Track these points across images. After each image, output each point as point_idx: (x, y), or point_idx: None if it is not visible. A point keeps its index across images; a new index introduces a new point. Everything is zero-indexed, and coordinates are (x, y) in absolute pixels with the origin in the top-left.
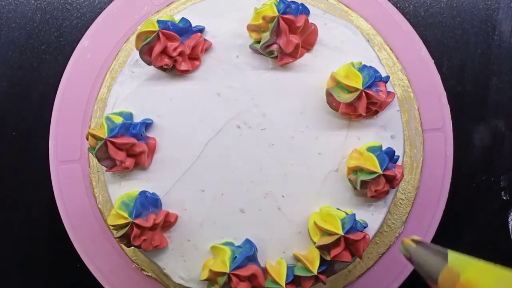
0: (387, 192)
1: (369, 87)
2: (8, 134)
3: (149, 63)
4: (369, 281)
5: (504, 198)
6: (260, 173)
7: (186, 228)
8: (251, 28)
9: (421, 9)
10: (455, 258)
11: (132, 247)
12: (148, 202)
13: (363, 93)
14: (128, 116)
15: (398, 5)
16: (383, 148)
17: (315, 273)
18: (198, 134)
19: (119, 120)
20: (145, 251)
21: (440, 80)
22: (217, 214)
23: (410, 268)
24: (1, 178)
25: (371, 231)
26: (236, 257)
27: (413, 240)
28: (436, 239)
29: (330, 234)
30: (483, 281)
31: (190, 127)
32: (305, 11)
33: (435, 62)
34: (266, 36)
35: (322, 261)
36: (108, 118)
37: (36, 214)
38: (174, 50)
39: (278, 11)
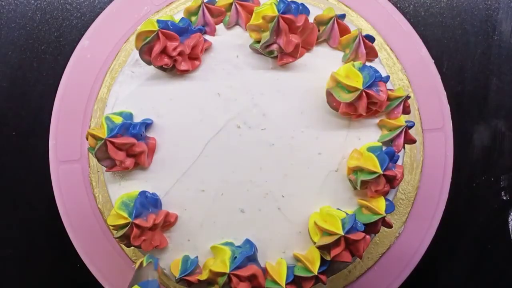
0: (387, 192)
1: (369, 87)
2: (8, 134)
3: (149, 63)
4: (369, 281)
5: (504, 198)
6: (260, 173)
7: (186, 228)
8: (251, 28)
9: (421, 9)
10: None
11: (132, 247)
12: (148, 202)
13: (364, 93)
14: (128, 116)
15: (398, 5)
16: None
17: (316, 273)
18: (198, 134)
19: (119, 120)
20: (145, 251)
21: (440, 80)
22: (217, 214)
23: (410, 268)
24: (1, 178)
25: None
26: (236, 257)
27: None
28: (436, 239)
29: (330, 234)
30: None
31: (190, 127)
32: (305, 11)
33: (435, 62)
34: (266, 36)
35: (322, 261)
36: (108, 118)
37: (36, 214)
38: (173, 49)
39: (278, 11)
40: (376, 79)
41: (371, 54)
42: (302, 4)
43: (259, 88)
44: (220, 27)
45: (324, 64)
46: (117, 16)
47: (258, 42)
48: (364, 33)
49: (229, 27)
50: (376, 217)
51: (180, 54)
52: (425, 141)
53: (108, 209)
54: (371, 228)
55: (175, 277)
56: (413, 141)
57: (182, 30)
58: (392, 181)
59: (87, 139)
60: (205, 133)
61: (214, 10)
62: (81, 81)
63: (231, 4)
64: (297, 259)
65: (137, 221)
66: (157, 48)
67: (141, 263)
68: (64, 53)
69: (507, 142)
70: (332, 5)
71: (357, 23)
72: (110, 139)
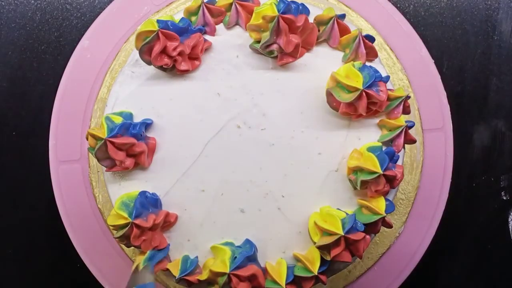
0: (387, 192)
1: (369, 87)
2: (8, 134)
3: (149, 63)
4: (369, 281)
5: (504, 198)
6: (260, 173)
7: (186, 228)
8: (251, 28)
9: (421, 9)
10: None
11: (132, 247)
12: (148, 202)
13: (364, 93)
14: (128, 116)
15: (398, 5)
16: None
17: (316, 273)
18: (198, 134)
19: (119, 120)
20: (145, 251)
21: (440, 80)
22: (217, 214)
23: (410, 268)
24: (1, 178)
25: None
26: (236, 257)
27: None
28: (436, 239)
29: (330, 234)
30: None
31: (190, 127)
32: (305, 10)
33: (435, 62)
34: (266, 36)
35: (323, 261)
36: (107, 118)
37: (36, 214)
38: (173, 49)
39: (278, 11)
40: (376, 79)
41: (371, 54)
42: (302, 4)
43: (259, 88)
44: (220, 27)
45: (324, 64)
46: (117, 16)
47: (258, 42)
48: (364, 33)
49: (229, 27)
50: (376, 217)
51: (180, 54)
52: (425, 141)
53: (108, 209)
54: (371, 228)
55: (175, 277)
56: (413, 141)
57: (182, 30)
58: (392, 181)
59: (87, 139)
60: (205, 133)
61: (214, 10)
62: (81, 81)
63: (231, 4)
64: (297, 259)
65: (137, 221)
66: (157, 48)
67: (137, 266)
68: (64, 53)
69: (507, 142)
70: (332, 5)
71: (357, 23)
72: (110, 139)
